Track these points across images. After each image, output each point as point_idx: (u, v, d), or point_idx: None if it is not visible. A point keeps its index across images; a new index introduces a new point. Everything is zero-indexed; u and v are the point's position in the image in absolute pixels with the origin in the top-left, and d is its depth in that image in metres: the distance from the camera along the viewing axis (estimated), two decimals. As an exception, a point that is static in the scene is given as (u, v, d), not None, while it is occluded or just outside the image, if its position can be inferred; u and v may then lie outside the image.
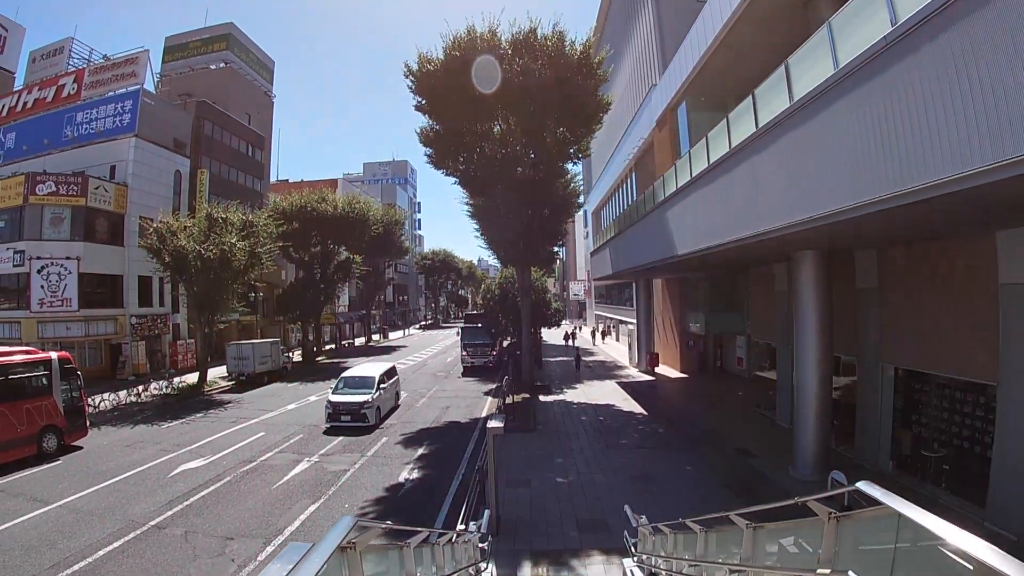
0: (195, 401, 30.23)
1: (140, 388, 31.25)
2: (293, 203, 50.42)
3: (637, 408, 25.58)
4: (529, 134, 26.93)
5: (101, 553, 11.58)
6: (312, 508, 14.25)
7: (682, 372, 35.82)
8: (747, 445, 18.58)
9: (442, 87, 25.31)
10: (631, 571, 9.22)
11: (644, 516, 9.56)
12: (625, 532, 9.86)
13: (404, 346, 63.69)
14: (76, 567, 11.00)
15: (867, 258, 15.99)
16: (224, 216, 35.12)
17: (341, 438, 21.30)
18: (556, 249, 66.94)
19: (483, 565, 8.93)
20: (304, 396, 31.14)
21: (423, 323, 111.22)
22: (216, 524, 13.24)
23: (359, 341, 71.45)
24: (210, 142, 51.66)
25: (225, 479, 16.56)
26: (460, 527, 9.56)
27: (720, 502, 13.49)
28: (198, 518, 13.59)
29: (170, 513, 13.88)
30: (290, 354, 50.94)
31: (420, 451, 19.41)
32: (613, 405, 26.43)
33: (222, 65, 60.51)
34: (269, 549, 11.87)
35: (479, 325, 42.38)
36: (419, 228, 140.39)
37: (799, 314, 15.67)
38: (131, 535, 12.51)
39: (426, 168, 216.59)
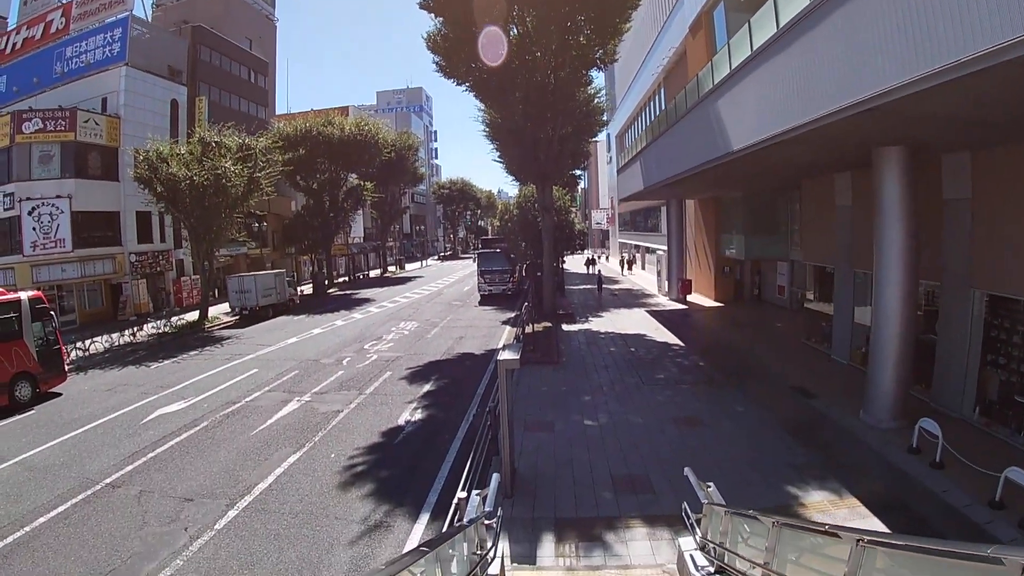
0: (193, 338, 28.46)
1: (135, 328, 29.37)
2: (298, 128, 47.73)
3: (672, 338, 22.96)
4: (548, 34, 23.52)
5: (41, 520, 9.69)
6: (292, 459, 12.05)
7: (717, 301, 32.98)
8: (803, 383, 15.92)
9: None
10: (691, 557, 6.70)
11: (712, 485, 6.98)
12: (685, 505, 7.32)
13: (420, 276, 61.39)
14: (9, 539, 9.08)
15: (957, 162, 13.04)
16: (218, 140, 32.41)
17: (341, 372, 19.19)
18: (579, 173, 63.85)
19: (491, 549, 6.46)
20: (308, 329, 29.06)
21: (441, 254, 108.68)
22: (178, 481, 11.18)
23: (375, 273, 69.17)
24: (209, 68, 48.63)
25: (201, 424, 14.55)
26: (460, 495, 7.09)
27: (789, 456, 11.02)
28: (159, 473, 11.58)
29: (130, 468, 11.90)
30: (299, 287, 49.04)
31: (426, 387, 17.06)
32: (644, 335, 23.83)
33: None
34: (232, 514, 9.71)
35: (497, 250, 39.62)
36: (436, 157, 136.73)
37: (881, 229, 12.81)
38: (80, 496, 10.58)
39: (443, 95, 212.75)
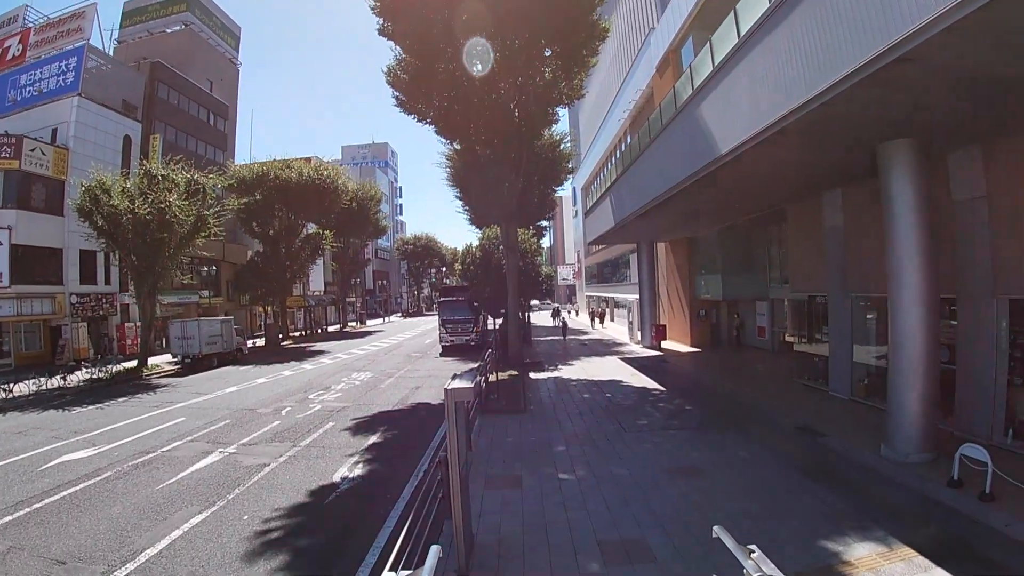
0: (127, 385, 25.87)
1: (64, 373, 26.58)
2: (254, 171, 45.63)
3: (650, 383, 20.82)
4: (512, 67, 22.14)
5: None
6: (196, 520, 9.51)
7: (693, 346, 31.11)
8: (807, 422, 13.87)
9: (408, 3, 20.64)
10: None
11: (757, 549, 4.76)
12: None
13: (381, 331, 58.79)
14: None
15: (967, 158, 11.87)
16: (163, 174, 30.13)
17: (277, 423, 16.66)
18: (544, 224, 62.53)
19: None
20: (252, 378, 26.35)
21: (405, 311, 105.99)
22: (56, 539, 8.86)
23: (335, 328, 66.15)
24: (166, 107, 47.00)
25: (104, 475, 12.09)
26: (387, 576, 4.78)
27: (815, 503, 8.91)
28: (38, 528, 9.27)
29: (7, 519, 9.70)
30: (251, 339, 46.17)
31: (372, 439, 14.52)
32: (620, 380, 21.66)
33: (181, 27, 55.27)
34: None
35: (460, 298, 37.29)
36: (401, 214, 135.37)
37: (893, 237, 11.21)
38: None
39: (408, 152, 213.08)
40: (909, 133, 10.74)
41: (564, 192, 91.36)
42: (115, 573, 7.73)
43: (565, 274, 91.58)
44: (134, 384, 26.27)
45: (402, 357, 33.01)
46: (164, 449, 14.14)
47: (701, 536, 7.89)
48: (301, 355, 36.67)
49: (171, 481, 11.60)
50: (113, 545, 8.60)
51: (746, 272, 27.55)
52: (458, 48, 21.86)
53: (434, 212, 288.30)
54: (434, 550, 4.68)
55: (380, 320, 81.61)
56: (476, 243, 35.50)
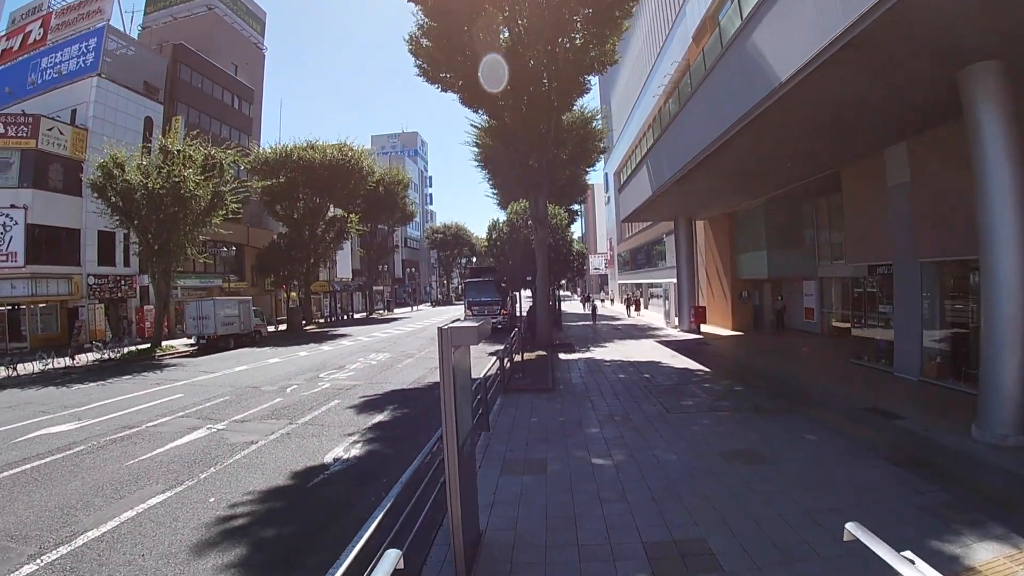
0: (135, 365, 24.92)
1: (73, 353, 25.44)
2: (278, 151, 44.51)
3: (692, 364, 18.81)
4: (542, 32, 20.51)
5: None
6: (156, 500, 8.08)
7: (734, 330, 28.97)
8: (877, 403, 11.89)
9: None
10: None
11: (916, 558, 2.90)
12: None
13: (408, 318, 57.42)
14: None
15: None
16: (179, 149, 29.04)
17: (278, 400, 15.19)
18: (576, 208, 60.50)
19: None
20: (265, 359, 25.06)
21: (434, 300, 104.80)
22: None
23: (362, 315, 64.97)
24: (189, 89, 46.35)
25: (76, 448, 10.89)
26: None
27: (910, 494, 7.08)
28: None
29: None
30: (274, 325, 45.23)
31: (378, 418, 12.85)
32: (659, 362, 19.70)
33: (205, 11, 54.48)
34: (26, 570, 6.11)
35: (487, 279, 35.51)
36: (431, 203, 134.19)
37: (985, 188, 9.33)
38: None
39: (438, 143, 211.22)
40: (998, 54, 8.83)
41: (595, 180, 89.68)
42: (44, 556, 6.43)
43: (597, 263, 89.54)
44: (143, 364, 25.26)
45: (426, 339, 31.36)
46: (150, 424, 12.87)
47: (777, 535, 6.04)
48: (322, 338, 35.44)
49: (144, 457, 10.22)
50: (55, 524, 7.29)
51: (793, 248, 25.35)
52: (483, 9, 20.21)
53: (465, 202, 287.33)
54: (390, 556, 2.94)
55: (408, 308, 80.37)
56: (504, 219, 33.57)
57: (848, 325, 21.83)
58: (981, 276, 9.63)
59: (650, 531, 6.33)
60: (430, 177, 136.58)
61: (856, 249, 17.96)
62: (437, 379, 11.47)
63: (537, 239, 24.59)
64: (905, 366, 14.74)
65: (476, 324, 5.21)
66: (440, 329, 4.99)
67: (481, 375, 11.16)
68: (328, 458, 9.82)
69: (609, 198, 75.26)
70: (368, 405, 14.30)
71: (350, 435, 11.32)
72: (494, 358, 15.58)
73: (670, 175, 20.29)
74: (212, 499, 8.08)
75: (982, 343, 9.64)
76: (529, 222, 27.84)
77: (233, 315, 31.79)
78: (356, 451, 10.21)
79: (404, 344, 29.20)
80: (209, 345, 30.10)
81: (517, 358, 18.53)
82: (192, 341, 31.01)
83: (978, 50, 8.92)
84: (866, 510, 6.54)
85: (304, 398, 15.43)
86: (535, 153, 23.70)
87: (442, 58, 21.68)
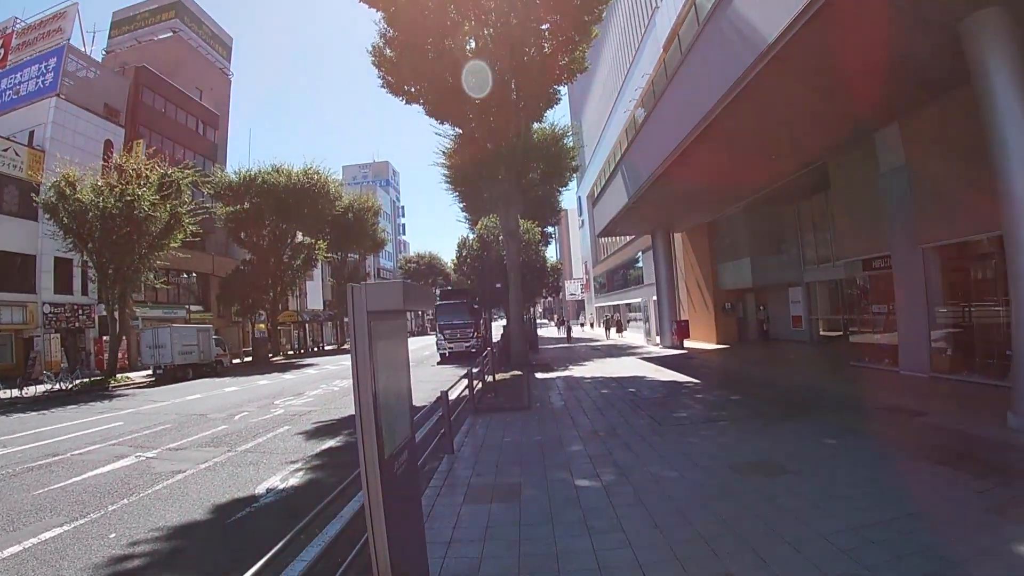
0: (87, 395, 23.24)
1: (23, 383, 23.94)
2: (242, 176, 43.02)
3: (680, 377, 17.36)
4: (508, 39, 19.73)
5: None
6: (47, 535, 6.63)
7: (719, 343, 27.67)
8: (893, 402, 10.60)
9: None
10: None
11: None
12: None
13: (380, 346, 55.20)
14: None
15: None
16: (135, 167, 27.52)
17: (223, 427, 13.58)
18: (550, 230, 59.24)
19: None
20: (222, 387, 23.52)
21: (409, 331, 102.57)
22: None
23: (332, 345, 62.78)
24: (151, 112, 44.90)
25: None
26: None
27: (971, 497, 5.71)
28: None
29: None
30: (239, 358, 43.16)
31: (328, 444, 11.17)
32: (643, 376, 18.23)
33: (170, 35, 53.64)
34: None
35: (459, 301, 33.83)
36: (404, 233, 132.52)
37: (1003, 152, 8.31)
38: None
39: (411, 171, 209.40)
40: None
41: (569, 205, 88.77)
42: None
43: (573, 289, 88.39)
44: (94, 394, 23.56)
45: (395, 366, 29.58)
46: (76, 452, 11.31)
47: (828, 563, 4.54)
48: (287, 368, 33.66)
49: (56, 486, 8.69)
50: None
51: (777, 254, 24.34)
52: (447, 18, 19.14)
53: (439, 232, 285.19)
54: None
55: (382, 339, 78.18)
56: (474, 236, 31.95)
57: (840, 333, 20.78)
58: (1008, 251, 8.44)
59: (657, 569, 4.77)
60: (402, 207, 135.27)
61: (849, 244, 16.82)
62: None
63: (509, 253, 23.19)
64: (912, 363, 13.60)
65: (403, 281, 3.67)
66: (351, 286, 3.47)
67: (450, 397, 9.63)
68: (261, 488, 8.15)
69: (583, 221, 74.51)
70: (320, 431, 12.63)
71: (293, 463, 9.64)
72: (465, 381, 14.00)
73: (647, 175, 19.04)
74: (113, 535, 6.50)
75: (1013, 325, 8.45)
76: (500, 237, 26.38)
77: (192, 344, 30.01)
78: (295, 480, 8.54)
79: (372, 370, 27.45)
80: (167, 375, 28.33)
81: (490, 378, 16.97)
82: (150, 372, 29.27)
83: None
84: (928, 520, 5.14)
85: (252, 425, 13.75)
86: (504, 163, 22.41)
87: (406, 68, 20.51)
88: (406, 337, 4.41)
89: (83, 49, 41.53)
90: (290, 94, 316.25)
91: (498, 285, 17.85)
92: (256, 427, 13.42)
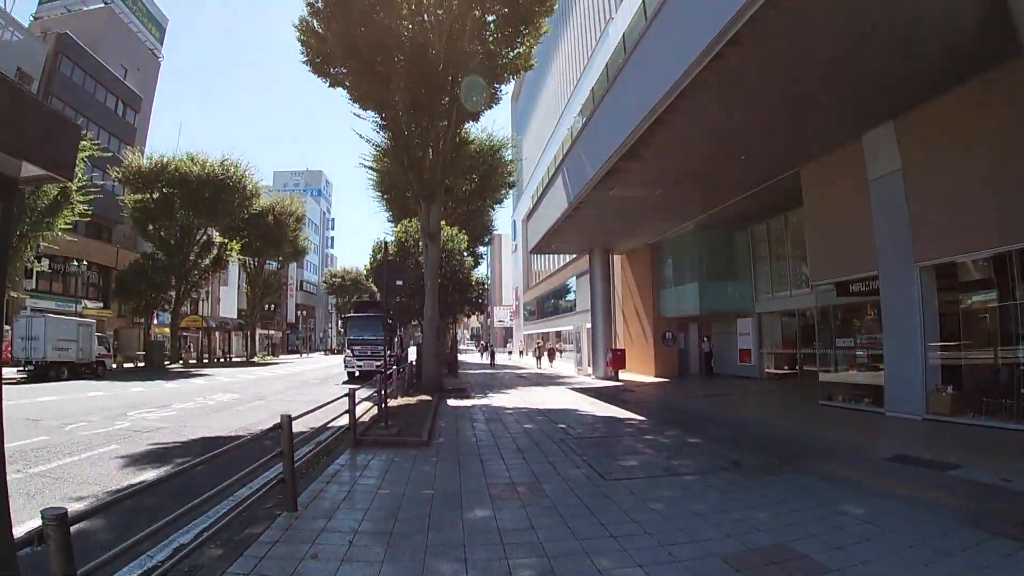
0: None
1: None
2: (154, 162, 39.53)
3: (622, 412, 14.59)
4: (448, 32, 17.60)
5: None
6: None
7: (658, 376, 25.21)
8: (897, 450, 8.35)
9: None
10: None
11: None
12: None
13: (290, 363, 51.02)
14: None
15: None
16: None
17: (40, 438, 10.53)
18: (482, 250, 56.37)
19: None
20: (86, 391, 20.12)
21: (328, 349, 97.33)
22: None
23: (241, 357, 57.92)
24: (68, 85, 40.77)
25: None
26: None
27: None
28: None
29: None
30: (132, 362, 38.65)
31: (146, 475, 7.74)
32: (576, 409, 15.43)
33: (101, 6, 50.37)
34: None
35: (373, 314, 30.19)
36: (332, 247, 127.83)
37: None
38: None
39: (343, 184, 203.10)
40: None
41: (503, 231, 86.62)
42: None
43: (502, 315, 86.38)
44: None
45: (295, 383, 26.10)
46: None
47: None
48: (176, 376, 29.49)
49: None
50: None
51: (728, 281, 22.17)
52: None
53: (368, 250, 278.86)
54: None
55: (297, 356, 73.44)
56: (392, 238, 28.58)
57: (793, 371, 18.73)
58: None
59: None
60: (332, 219, 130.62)
61: (824, 264, 14.55)
62: (272, 424, 6.37)
63: (427, 258, 20.15)
64: (902, 403, 11.48)
65: None
66: None
67: (324, 422, 6.58)
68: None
69: (516, 246, 72.60)
70: (150, 456, 9.26)
71: (80, 499, 6.39)
72: (367, 404, 10.94)
73: (596, 167, 16.40)
74: None
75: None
76: (420, 243, 23.22)
77: (69, 340, 26.29)
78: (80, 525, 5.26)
79: (264, 386, 23.79)
80: (39, 373, 24.60)
81: (391, 403, 13.91)
82: (22, 367, 25.23)
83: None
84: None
85: (79, 438, 10.52)
86: (429, 152, 19.62)
87: (333, 41, 17.62)
88: None
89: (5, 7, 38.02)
90: (230, 95, 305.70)
91: (399, 282, 14.77)
92: (80, 442, 10.15)
